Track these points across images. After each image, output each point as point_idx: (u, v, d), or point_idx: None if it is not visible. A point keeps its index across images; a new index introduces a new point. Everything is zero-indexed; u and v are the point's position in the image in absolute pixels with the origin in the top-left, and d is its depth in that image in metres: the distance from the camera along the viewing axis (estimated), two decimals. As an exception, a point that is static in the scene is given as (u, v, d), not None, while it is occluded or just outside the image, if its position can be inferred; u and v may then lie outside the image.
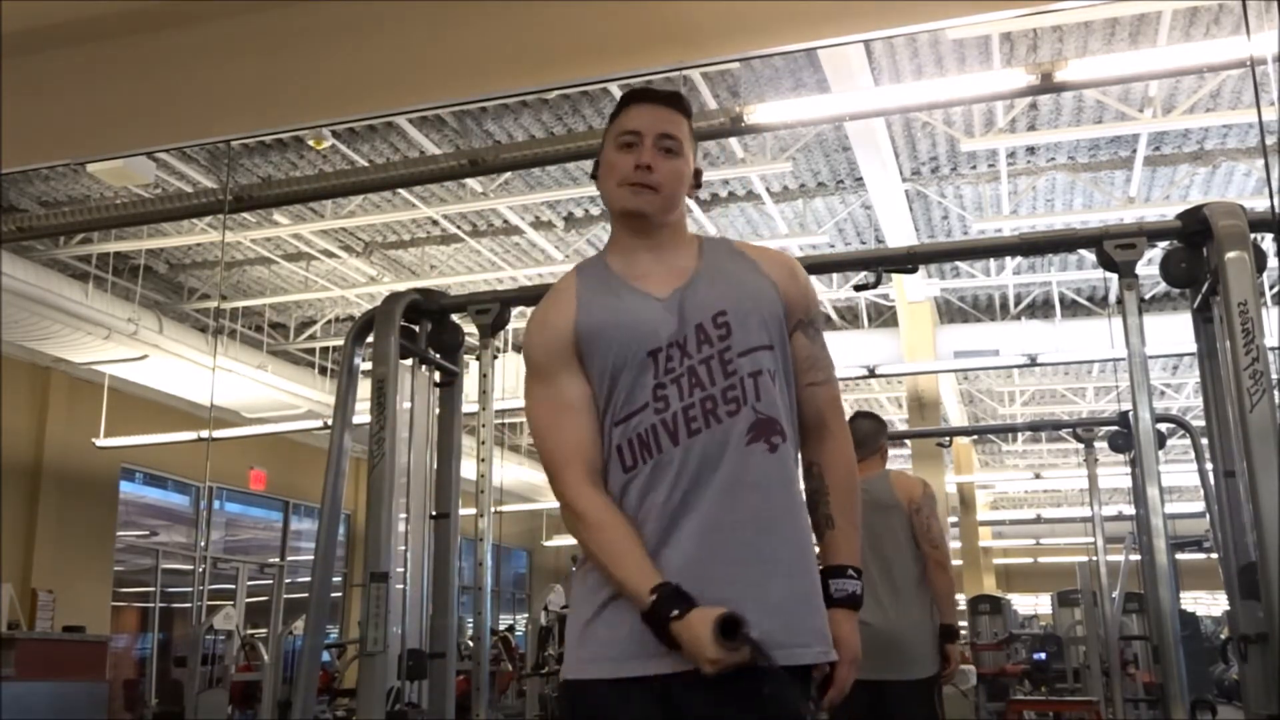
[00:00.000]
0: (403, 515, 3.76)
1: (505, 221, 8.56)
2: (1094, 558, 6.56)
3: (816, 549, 1.72)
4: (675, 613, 1.50)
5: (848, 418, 4.19)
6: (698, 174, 1.81)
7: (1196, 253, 3.33)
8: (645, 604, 1.53)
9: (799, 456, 1.71)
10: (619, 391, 1.64)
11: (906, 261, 3.85)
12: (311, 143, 6.95)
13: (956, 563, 14.95)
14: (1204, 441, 3.88)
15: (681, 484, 1.60)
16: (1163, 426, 5.62)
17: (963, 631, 10.05)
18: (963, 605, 10.81)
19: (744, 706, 1.53)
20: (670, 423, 1.61)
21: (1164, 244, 3.55)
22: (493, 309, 3.97)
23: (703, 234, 1.84)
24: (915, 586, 3.83)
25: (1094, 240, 3.47)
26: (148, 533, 12.36)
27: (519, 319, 10.82)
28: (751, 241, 8.37)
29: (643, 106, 1.76)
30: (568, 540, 13.25)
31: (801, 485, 1.69)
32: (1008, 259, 9.37)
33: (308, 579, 3.90)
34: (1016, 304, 10.55)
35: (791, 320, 1.73)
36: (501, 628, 12.18)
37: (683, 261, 1.74)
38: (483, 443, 3.99)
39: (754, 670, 1.49)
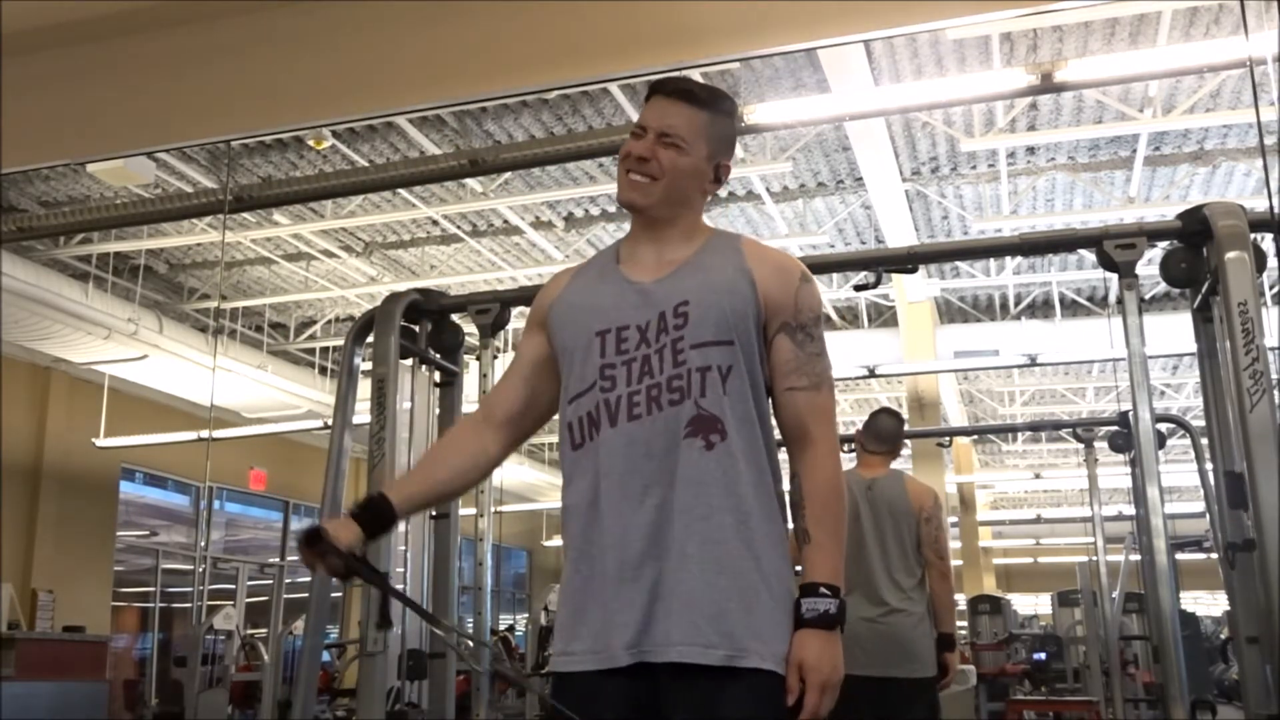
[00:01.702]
0: (403, 515, 3.75)
1: (505, 221, 8.56)
2: (1094, 558, 6.56)
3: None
4: (345, 512, 1.73)
5: (870, 412, 4.20)
6: (720, 169, 1.80)
7: (1196, 253, 3.33)
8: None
9: (763, 461, 1.67)
10: (573, 369, 1.70)
11: (906, 261, 3.84)
12: (311, 143, 6.95)
13: (956, 563, 14.95)
14: (1204, 441, 3.88)
15: (614, 468, 1.62)
16: (1163, 426, 5.61)
17: (962, 631, 10.07)
18: (963, 605, 10.82)
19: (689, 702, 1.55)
20: (613, 404, 1.64)
21: (1164, 244, 3.54)
22: (493, 309, 3.97)
23: (720, 230, 1.83)
24: (917, 589, 3.87)
25: (1094, 240, 3.47)
26: (148, 533, 12.36)
27: (519, 319, 10.83)
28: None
29: (656, 99, 1.77)
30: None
31: (750, 483, 1.63)
32: (1008, 259, 9.37)
33: (308, 579, 3.90)
34: (1016, 304, 10.55)
35: (774, 322, 1.70)
36: (501, 628, 12.18)
37: (679, 253, 1.75)
38: (483, 443, 3.98)
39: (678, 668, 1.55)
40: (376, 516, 1.72)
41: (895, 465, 4.12)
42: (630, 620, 1.57)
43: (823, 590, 1.60)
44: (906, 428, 4.85)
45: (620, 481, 1.61)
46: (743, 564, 1.59)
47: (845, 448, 4.39)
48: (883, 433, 4.07)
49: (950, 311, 10.94)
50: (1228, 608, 3.67)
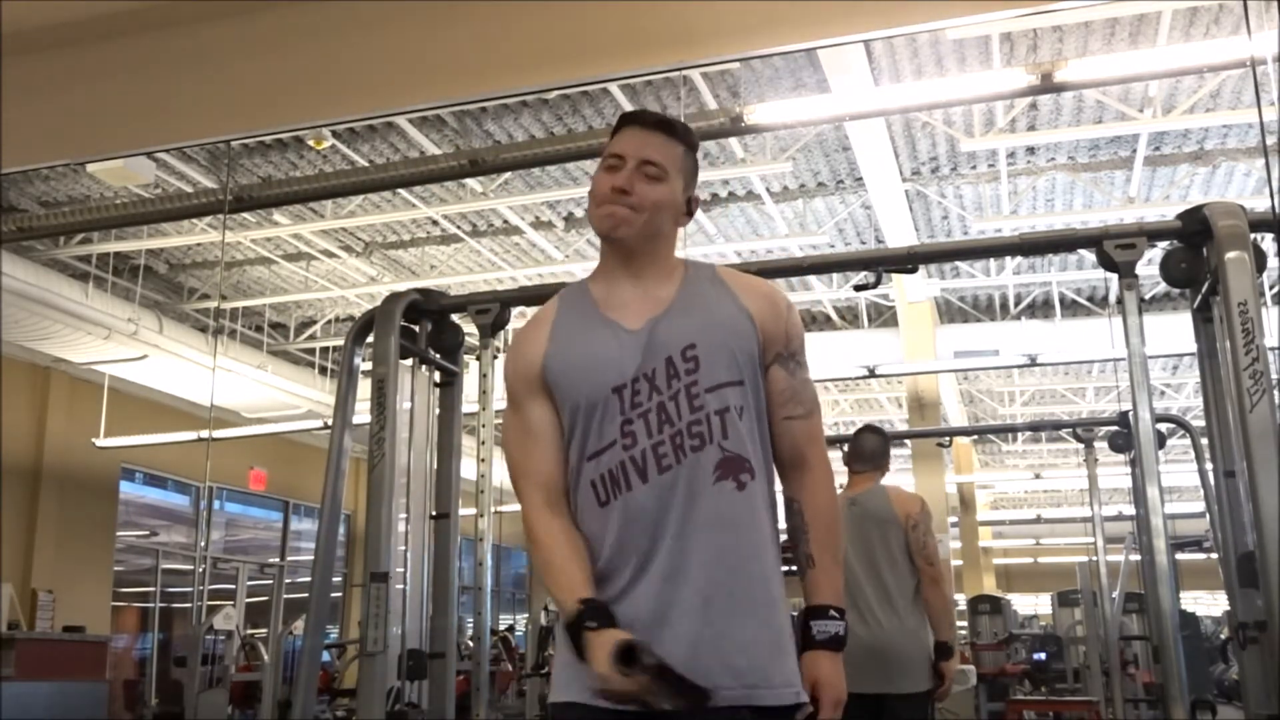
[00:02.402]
0: (403, 515, 3.76)
1: (505, 221, 8.56)
2: (1094, 558, 6.56)
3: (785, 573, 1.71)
4: (593, 624, 1.52)
5: (855, 429, 4.19)
6: (691, 202, 1.78)
7: (1196, 253, 3.33)
8: (569, 613, 1.56)
9: (775, 492, 1.69)
10: (590, 427, 1.65)
11: (906, 261, 3.85)
12: (311, 143, 6.95)
13: (956, 563, 14.97)
14: (1204, 441, 3.88)
15: (653, 522, 1.59)
16: (1163, 426, 5.62)
17: (962, 632, 10.07)
18: (963, 605, 10.83)
19: None
20: (639, 460, 1.61)
21: (1164, 244, 3.54)
22: (493, 309, 3.97)
23: (690, 260, 1.81)
24: (910, 600, 3.84)
25: (1094, 240, 3.47)
26: (148, 533, 12.36)
27: (519, 319, 10.83)
28: (752, 241, 8.27)
29: (632, 130, 1.74)
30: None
31: (768, 521, 1.65)
32: (1008, 259, 9.36)
33: (308, 579, 3.90)
34: (1016, 304, 10.55)
35: (769, 354, 1.70)
36: (501, 628, 12.19)
37: (662, 290, 1.72)
38: (483, 443, 3.99)
39: (730, 710, 1.51)
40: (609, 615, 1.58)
41: (889, 476, 4.12)
42: (710, 664, 1.54)
43: (831, 613, 1.65)
44: (906, 428, 4.85)
45: (664, 530, 1.59)
46: (777, 603, 1.62)
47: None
48: (866, 451, 4.08)
49: (950, 311, 10.94)
50: (1228, 608, 3.67)
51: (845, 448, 4.17)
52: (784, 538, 1.70)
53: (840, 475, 3.47)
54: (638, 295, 1.72)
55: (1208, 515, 4.21)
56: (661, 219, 1.72)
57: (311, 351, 11.35)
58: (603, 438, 1.64)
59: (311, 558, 4.07)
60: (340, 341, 8.20)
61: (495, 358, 4.04)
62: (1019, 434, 15.72)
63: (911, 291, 9.76)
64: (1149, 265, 3.78)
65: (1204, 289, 3.31)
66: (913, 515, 3.89)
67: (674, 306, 1.70)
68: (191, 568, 12.66)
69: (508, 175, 7.54)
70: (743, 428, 1.63)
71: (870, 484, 4.01)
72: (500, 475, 3.97)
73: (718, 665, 1.54)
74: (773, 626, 1.60)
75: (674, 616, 1.56)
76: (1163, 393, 12.87)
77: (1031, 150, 7.57)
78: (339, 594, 14.09)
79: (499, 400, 4.18)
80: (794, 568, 1.70)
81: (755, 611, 1.58)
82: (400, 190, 7.60)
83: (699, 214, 8.17)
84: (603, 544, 1.62)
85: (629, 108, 6.51)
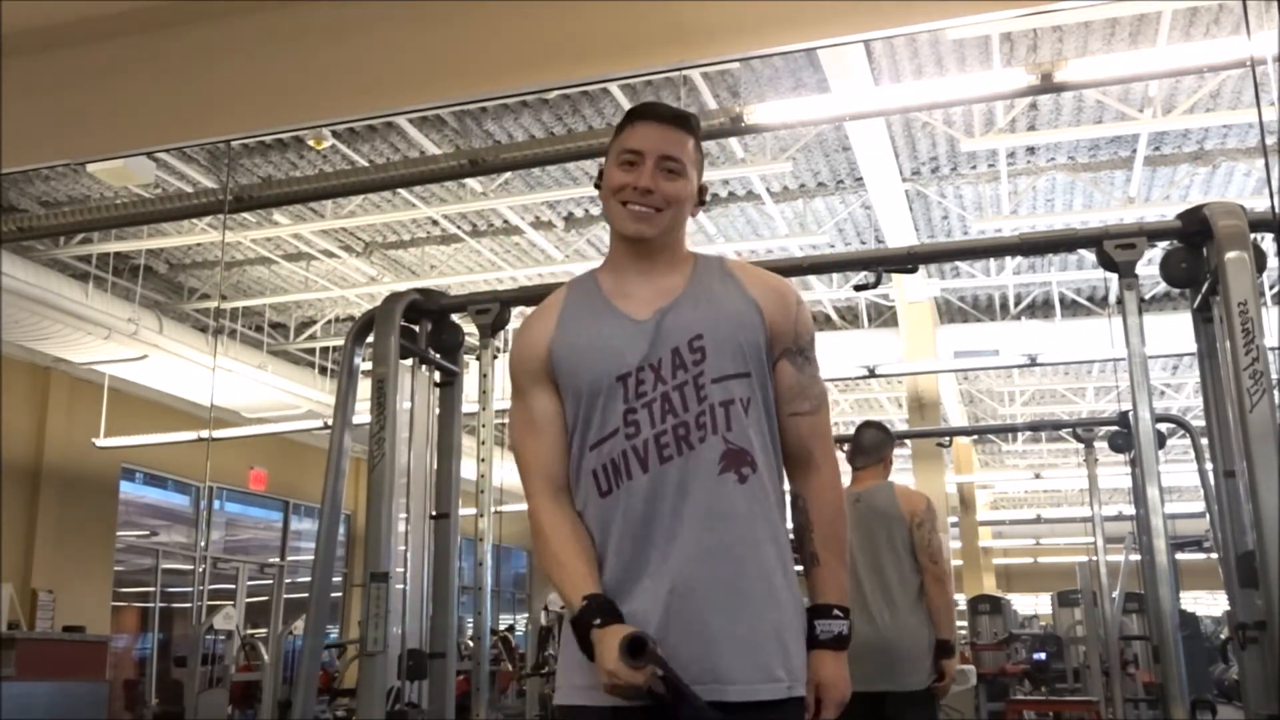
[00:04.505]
0: (403, 515, 3.76)
1: (505, 221, 8.56)
2: (1094, 558, 6.56)
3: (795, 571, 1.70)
4: (598, 621, 1.52)
5: (855, 426, 4.20)
6: (702, 191, 1.78)
7: (1196, 253, 3.33)
8: (575, 609, 1.55)
9: (780, 487, 1.68)
10: (593, 416, 1.65)
11: (906, 261, 3.84)
12: (311, 143, 6.95)
13: (956, 563, 14.97)
14: (1204, 441, 3.88)
15: (652, 512, 1.59)
16: (1163, 426, 5.62)
17: (962, 631, 10.06)
18: (963, 605, 10.82)
19: None
20: (641, 449, 1.61)
21: (1164, 244, 3.54)
22: (493, 309, 3.96)
23: (699, 253, 1.81)
24: (913, 598, 3.84)
25: (1094, 240, 3.47)
26: (148, 533, 12.36)
27: (519, 319, 10.80)
28: (752, 241, 8.25)
29: (647, 125, 1.73)
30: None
31: (775, 515, 1.64)
32: (1008, 259, 9.36)
33: (308, 579, 3.90)
34: (1016, 304, 10.55)
35: (777, 348, 1.70)
36: (501, 628, 12.18)
37: (672, 282, 1.72)
38: (483, 443, 3.98)
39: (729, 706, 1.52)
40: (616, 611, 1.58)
41: (893, 474, 4.12)
42: (686, 658, 1.54)
43: (835, 612, 1.65)
44: (906, 428, 4.86)
45: (657, 523, 1.59)
46: (778, 597, 1.60)
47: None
48: (866, 445, 4.09)
49: (950, 311, 10.94)
50: (1228, 608, 3.67)
51: (846, 447, 4.17)
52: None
53: (845, 476, 3.51)
54: (647, 286, 1.71)
55: (1208, 515, 4.21)
56: (683, 214, 1.73)
57: (311, 351, 11.35)
58: (605, 426, 1.63)
59: (311, 558, 4.06)
60: (340, 341, 8.21)
61: (495, 358, 4.04)
62: (1019, 434, 15.72)
63: (911, 291, 9.76)
64: (1149, 265, 3.77)
65: (1204, 289, 3.31)
66: (918, 513, 3.90)
67: (683, 297, 1.70)
68: (191, 568, 12.66)
69: (508, 175, 7.54)
70: (747, 420, 1.63)
71: (876, 480, 4.02)
72: (500, 475, 3.98)
73: (729, 657, 1.54)
74: (770, 623, 1.58)
75: (673, 610, 1.56)
76: (1163, 393, 12.87)
77: (1031, 150, 7.57)
78: (339, 594, 14.09)
79: (499, 400, 4.20)
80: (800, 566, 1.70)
81: (753, 607, 1.57)
82: (400, 190, 7.60)
83: (700, 215, 8.19)
84: (606, 535, 1.62)
85: (629, 107, 6.50)
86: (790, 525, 1.71)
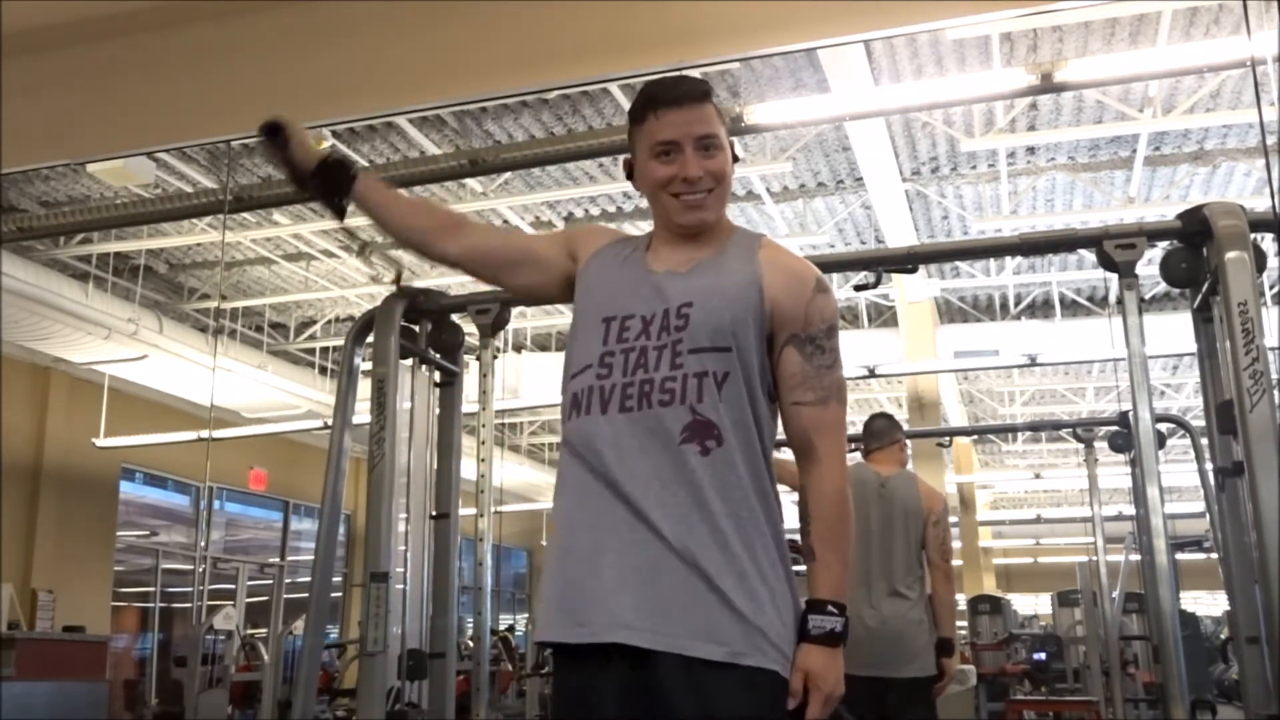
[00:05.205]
0: (403, 515, 3.76)
1: (505, 221, 8.56)
2: (1094, 558, 6.56)
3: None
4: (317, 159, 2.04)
5: (857, 426, 4.24)
6: (733, 147, 1.79)
7: (1196, 253, 3.33)
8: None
9: (765, 467, 1.67)
10: (576, 343, 1.72)
11: (906, 261, 3.84)
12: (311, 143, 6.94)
13: (956, 563, 14.94)
14: (1204, 441, 3.88)
15: (599, 455, 1.62)
16: (1163, 426, 5.61)
17: (962, 631, 10.06)
18: (963, 605, 10.82)
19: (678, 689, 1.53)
20: (606, 391, 1.64)
21: (1164, 244, 3.54)
22: (493, 309, 3.96)
23: (741, 228, 1.82)
24: (916, 590, 3.89)
25: (1094, 240, 3.46)
26: (148, 533, 12.36)
27: (519, 319, 10.84)
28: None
29: (671, 112, 1.71)
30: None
31: (747, 489, 1.62)
32: (1008, 259, 9.37)
33: (308, 579, 3.89)
34: (1016, 304, 10.55)
35: (782, 332, 1.68)
36: (501, 628, 12.18)
37: (703, 251, 1.74)
38: (483, 443, 3.99)
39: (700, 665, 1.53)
40: (334, 183, 2.02)
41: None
42: (624, 606, 1.56)
43: (830, 609, 1.61)
44: (907, 428, 4.90)
45: (614, 473, 1.61)
46: (741, 570, 1.58)
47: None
48: (876, 430, 4.18)
49: (950, 311, 10.94)
50: (1228, 608, 3.67)
51: (854, 445, 4.23)
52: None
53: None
54: (678, 252, 1.74)
55: (1208, 515, 4.21)
56: (729, 183, 1.77)
57: (311, 351, 11.35)
58: (583, 359, 1.69)
59: (311, 558, 4.06)
60: (340, 341, 8.20)
61: (495, 358, 4.05)
62: (1019, 434, 15.73)
63: (911, 291, 9.76)
64: (1149, 265, 3.78)
65: (1204, 289, 3.31)
66: (935, 511, 3.99)
67: (698, 266, 1.72)
68: (191, 568, 12.66)
69: (508, 175, 7.54)
70: (720, 395, 1.62)
71: (898, 467, 4.11)
72: (500, 475, 3.98)
73: (668, 615, 1.56)
74: (716, 589, 1.56)
75: (602, 549, 1.59)
76: (1163, 393, 12.87)
77: (1031, 150, 7.57)
78: (339, 594, 14.09)
79: (499, 400, 4.20)
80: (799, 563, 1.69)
81: (692, 568, 1.56)
82: (400, 190, 7.59)
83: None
84: (572, 457, 1.68)
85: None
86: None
